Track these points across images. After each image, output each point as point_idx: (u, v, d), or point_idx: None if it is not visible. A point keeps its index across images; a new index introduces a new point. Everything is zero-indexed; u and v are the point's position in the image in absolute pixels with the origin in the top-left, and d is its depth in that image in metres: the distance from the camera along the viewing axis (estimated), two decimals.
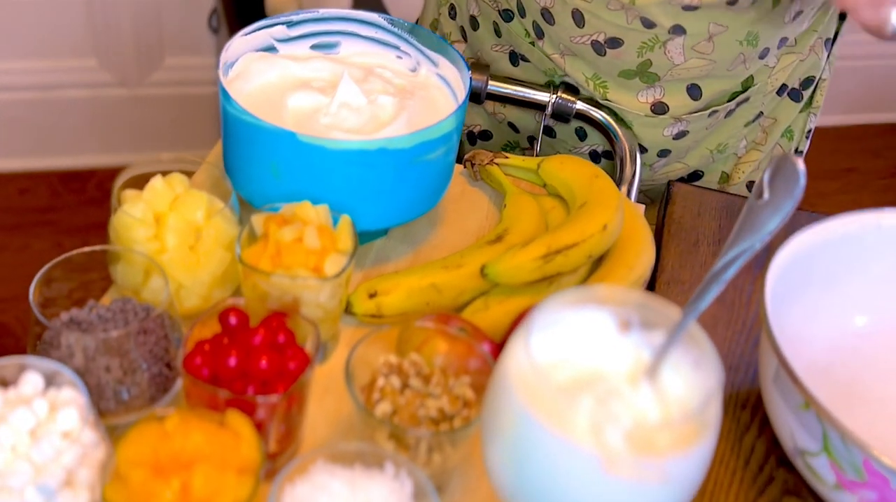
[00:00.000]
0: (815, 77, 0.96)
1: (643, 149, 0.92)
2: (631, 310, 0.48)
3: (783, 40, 0.87)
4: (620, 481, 0.43)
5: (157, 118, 1.96)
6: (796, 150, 1.00)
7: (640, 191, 0.92)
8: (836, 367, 0.73)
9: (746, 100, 0.91)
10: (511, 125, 0.99)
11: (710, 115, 0.89)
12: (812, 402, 0.59)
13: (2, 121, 1.90)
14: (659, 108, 0.88)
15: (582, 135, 0.96)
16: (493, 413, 0.47)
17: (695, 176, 0.98)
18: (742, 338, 0.79)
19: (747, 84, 0.90)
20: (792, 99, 0.95)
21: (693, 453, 0.44)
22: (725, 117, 0.91)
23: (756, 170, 0.98)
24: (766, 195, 0.43)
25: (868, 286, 0.74)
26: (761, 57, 0.87)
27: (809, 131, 0.99)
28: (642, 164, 0.92)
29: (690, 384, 0.46)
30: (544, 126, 0.96)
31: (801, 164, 0.42)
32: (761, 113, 0.94)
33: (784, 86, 0.94)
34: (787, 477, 0.69)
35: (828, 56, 0.96)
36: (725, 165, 0.97)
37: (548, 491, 0.45)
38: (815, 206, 0.92)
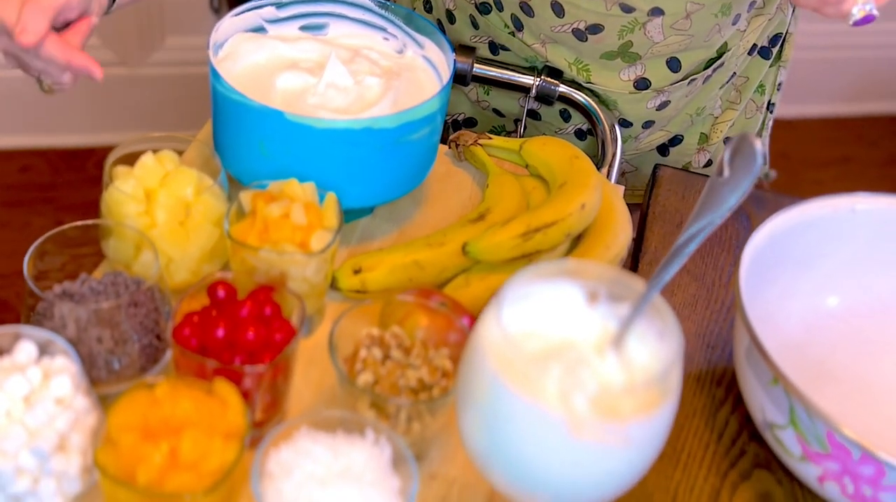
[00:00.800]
0: (782, 33, 0.99)
1: (628, 124, 0.94)
2: (599, 283, 0.50)
3: (752, 4, 0.90)
4: (586, 444, 0.45)
5: (157, 98, 1.97)
6: (768, 103, 1.04)
7: (625, 161, 0.94)
8: (808, 346, 0.75)
9: (721, 65, 0.93)
10: (496, 111, 1.01)
11: (688, 83, 0.92)
12: (780, 377, 0.61)
13: (2, 98, 1.92)
14: (641, 84, 0.90)
15: (566, 117, 0.97)
16: (466, 381, 0.49)
17: (675, 140, 1.00)
18: (720, 317, 0.82)
19: (722, 50, 0.93)
20: (762, 56, 0.99)
21: (654, 418, 0.46)
22: (703, 83, 0.94)
23: (732, 128, 1.01)
24: (726, 173, 0.45)
25: (841, 268, 0.76)
26: (734, 23, 0.90)
27: (780, 84, 1.03)
28: (628, 137, 0.95)
29: (654, 353, 0.48)
30: (529, 109, 0.98)
31: (758, 144, 0.44)
32: (734, 73, 0.97)
33: (754, 45, 0.97)
34: (758, 451, 0.72)
35: (793, 11, 0.99)
36: (704, 127, 1.00)
37: (518, 454, 0.47)
38: (811, 195, 0.93)
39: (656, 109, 0.92)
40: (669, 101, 0.93)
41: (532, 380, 0.45)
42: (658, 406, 0.46)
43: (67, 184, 1.91)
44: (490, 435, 0.48)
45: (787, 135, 2.23)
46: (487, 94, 1.00)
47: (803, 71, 2.05)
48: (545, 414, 0.45)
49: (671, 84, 0.92)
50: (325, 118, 0.73)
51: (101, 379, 0.66)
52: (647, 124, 0.95)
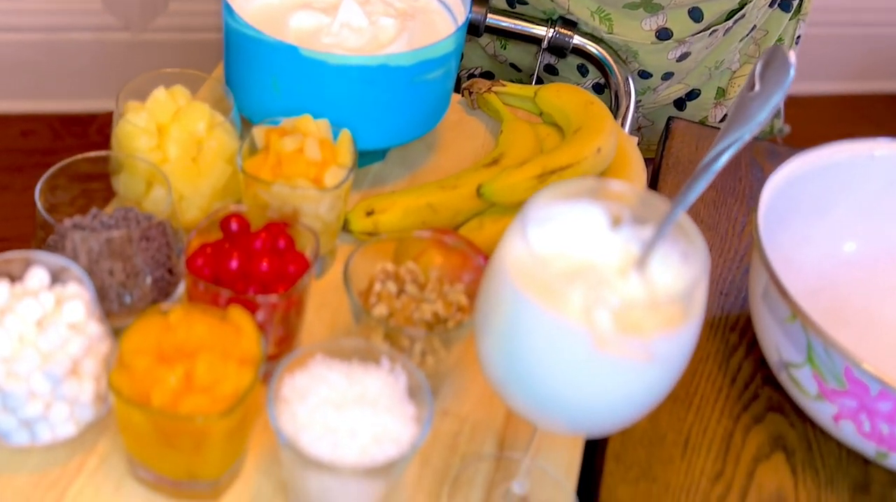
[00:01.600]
0: None
1: (647, 75, 0.94)
2: (623, 204, 0.49)
3: None
4: (609, 359, 0.44)
5: (160, 64, 1.96)
6: None
7: (641, 115, 0.94)
8: (824, 292, 0.75)
9: (743, 16, 0.93)
10: (512, 65, 1.00)
11: (710, 34, 0.91)
12: (798, 313, 0.61)
13: (4, 62, 1.90)
14: (663, 34, 0.90)
15: (584, 72, 0.97)
16: (488, 300, 0.49)
17: (693, 94, 1.00)
18: (734, 265, 0.81)
19: (744, 1, 0.92)
20: (783, 9, 0.98)
21: (679, 335, 0.45)
22: (724, 35, 0.93)
23: None
24: (757, 86, 0.44)
25: (858, 214, 0.75)
26: None
27: (798, 37, 1.02)
28: (647, 89, 0.94)
29: (678, 274, 0.48)
30: (547, 64, 0.97)
31: (791, 56, 0.43)
32: (755, 26, 0.97)
33: None
34: (771, 395, 0.71)
35: None
36: (721, 81, 1.00)
37: (539, 372, 0.46)
38: None
39: (676, 61, 0.92)
40: (690, 53, 0.92)
41: (556, 295, 0.45)
42: (682, 323, 0.45)
43: (69, 149, 1.89)
44: (511, 355, 0.48)
45: (794, 112, 2.23)
46: (504, 48, 0.99)
47: (810, 49, 2.04)
48: (569, 328, 0.44)
49: (692, 35, 0.91)
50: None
51: (112, 312, 0.65)
52: (667, 76, 0.94)
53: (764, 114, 0.44)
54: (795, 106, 2.31)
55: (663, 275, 0.48)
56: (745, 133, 0.44)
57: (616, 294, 0.46)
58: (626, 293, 0.47)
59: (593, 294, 0.45)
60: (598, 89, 0.98)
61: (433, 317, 0.62)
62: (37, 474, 0.59)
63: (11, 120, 1.93)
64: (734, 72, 1.00)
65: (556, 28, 0.93)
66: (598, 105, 0.80)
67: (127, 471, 0.60)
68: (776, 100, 0.44)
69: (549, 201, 0.49)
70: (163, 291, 0.67)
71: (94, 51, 1.92)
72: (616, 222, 0.50)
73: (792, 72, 0.43)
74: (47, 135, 1.92)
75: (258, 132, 0.70)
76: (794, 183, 0.71)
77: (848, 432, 0.63)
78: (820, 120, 2.25)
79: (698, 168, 0.46)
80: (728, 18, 0.93)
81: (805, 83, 2.23)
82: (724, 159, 0.45)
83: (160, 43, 1.96)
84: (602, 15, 0.90)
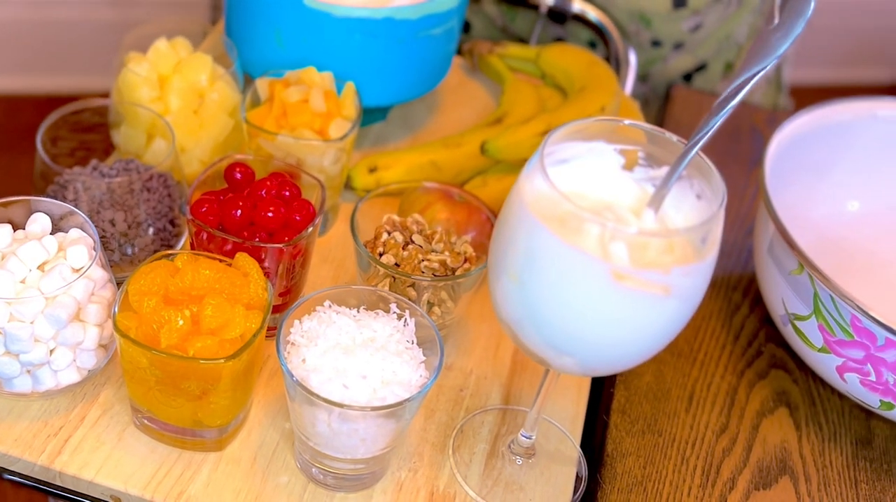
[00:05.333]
0: None
1: (658, 44, 0.93)
2: (638, 144, 0.49)
3: None
4: (626, 291, 0.44)
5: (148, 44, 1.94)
6: None
7: (650, 89, 0.93)
8: (828, 251, 0.75)
9: None
10: (522, 40, 1.00)
11: (725, 5, 0.91)
12: (805, 263, 0.61)
13: None
14: (679, 2, 0.89)
15: (592, 46, 0.96)
16: (505, 237, 0.48)
17: (701, 68, 0.99)
18: (736, 226, 0.81)
19: None
20: None
21: (695, 269, 0.45)
22: (737, 7, 0.93)
23: None
24: (776, 19, 0.44)
25: (861, 173, 0.76)
26: None
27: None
28: (657, 59, 0.94)
29: (693, 212, 0.48)
30: (557, 38, 0.97)
31: None
32: None
33: None
34: (774, 351, 0.71)
35: None
36: (729, 54, 1.00)
37: (557, 304, 0.46)
38: None
39: (690, 31, 0.92)
40: (703, 24, 0.92)
41: (574, 229, 0.45)
42: (698, 257, 0.45)
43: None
44: (529, 291, 0.47)
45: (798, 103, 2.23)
46: (513, 21, 0.98)
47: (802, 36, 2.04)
48: (587, 260, 0.44)
49: (708, 5, 0.91)
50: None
51: (114, 262, 0.65)
52: (678, 46, 0.94)
53: (785, 45, 0.44)
54: (798, 95, 2.32)
55: (678, 212, 0.48)
56: (767, 64, 0.44)
57: (633, 228, 0.46)
58: (644, 228, 0.46)
59: (610, 229, 0.44)
60: None
61: (441, 267, 0.61)
62: (38, 422, 0.58)
63: None
64: (741, 46, 1.00)
65: None
66: (602, 66, 0.80)
67: (129, 422, 0.59)
68: (797, 30, 0.43)
69: (565, 139, 0.48)
70: (165, 243, 0.66)
71: (80, 28, 1.90)
72: (630, 163, 0.50)
73: (812, 3, 0.43)
74: (32, 114, 1.90)
75: (262, 84, 0.69)
76: (798, 141, 0.71)
77: (852, 384, 0.63)
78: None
79: (715, 104, 0.46)
80: None
81: (794, 71, 2.24)
82: (742, 94, 0.45)
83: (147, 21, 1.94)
84: None
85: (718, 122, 0.46)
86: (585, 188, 0.49)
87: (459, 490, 0.59)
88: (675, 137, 0.49)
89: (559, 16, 0.94)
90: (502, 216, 0.49)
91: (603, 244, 0.44)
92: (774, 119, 0.92)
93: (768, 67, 0.44)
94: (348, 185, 0.75)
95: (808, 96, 1.08)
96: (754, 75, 0.44)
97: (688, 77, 1.00)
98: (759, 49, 0.44)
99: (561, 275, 0.45)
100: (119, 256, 0.64)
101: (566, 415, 0.64)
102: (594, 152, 0.50)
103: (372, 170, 0.74)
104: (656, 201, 0.48)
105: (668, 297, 0.45)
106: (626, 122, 0.49)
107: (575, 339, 0.47)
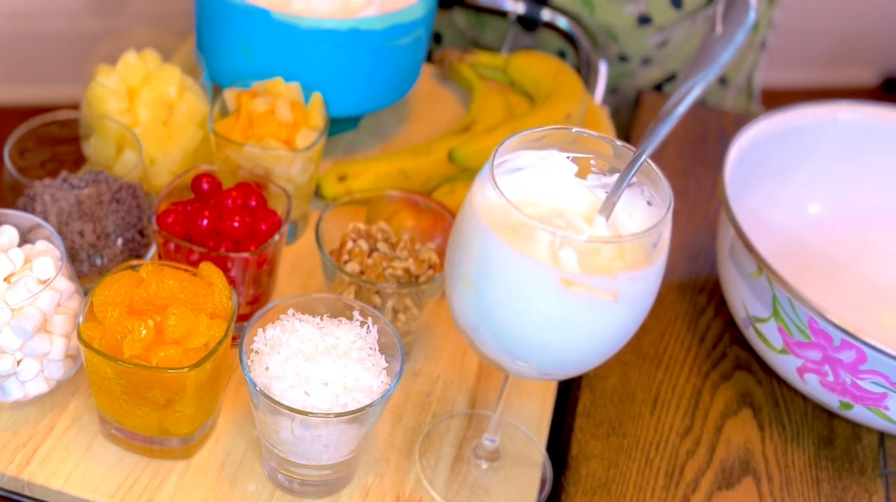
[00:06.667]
0: None
1: (625, 59, 0.94)
2: (589, 152, 0.50)
3: None
4: (576, 297, 0.45)
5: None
6: (763, 42, 1.05)
7: (616, 95, 0.94)
8: (789, 254, 0.76)
9: None
10: (489, 48, 1.01)
11: (690, 21, 0.92)
12: (764, 266, 0.62)
13: None
14: (644, 20, 0.90)
15: (563, 56, 0.97)
16: (459, 246, 0.49)
17: (671, 79, 1.01)
18: (702, 230, 0.82)
19: None
20: None
21: (644, 273, 0.46)
22: (704, 22, 0.94)
23: (725, 67, 1.02)
24: (718, 28, 0.45)
25: (822, 176, 0.77)
26: None
27: (775, 24, 1.04)
28: (626, 74, 0.95)
29: (643, 218, 0.49)
30: (527, 46, 0.98)
31: None
32: None
33: None
34: (739, 354, 0.72)
35: None
36: None
37: (510, 311, 0.47)
38: None
39: (656, 47, 0.93)
40: (669, 40, 0.94)
41: (524, 237, 0.46)
42: (647, 262, 0.46)
43: None
44: (482, 298, 0.48)
45: (766, 103, 2.25)
46: (482, 33, 0.99)
47: (783, 38, 2.06)
48: (537, 267, 0.45)
49: (673, 22, 0.92)
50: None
51: (83, 273, 0.65)
52: (646, 61, 0.95)
53: (727, 55, 0.45)
54: (767, 99, 2.33)
55: (629, 218, 0.49)
56: (710, 73, 0.45)
57: (582, 236, 0.47)
58: (592, 235, 0.47)
59: (560, 234, 0.45)
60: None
61: (405, 274, 0.62)
62: (7, 432, 0.59)
63: None
64: None
65: (526, 1, 0.94)
66: (568, 73, 0.81)
67: (98, 432, 0.60)
68: (739, 40, 0.45)
69: (517, 147, 0.49)
70: (133, 253, 0.67)
71: (65, 38, 1.91)
72: (583, 171, 0.51)
73: (752, 12, 0.44)
74: (16, 125, 1.90)
75: (229, 94, 0.70)
76: (760, 145, 0.72)
77: (812, 384, 0.64)
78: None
79: (662, 111, 0.47)
80: (708, 4, 0.93)
81: (776, 72, 2.25)
82: (689, 101, 0.46)
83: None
84: None
85: (664, 130, 0.47)
86: (538, 196, 0.50)
87: (425, 494, 0.59)
88: (625, 145, 0.50)
89: (530, 23, 0.95)
90: (457, 225, 0.50)
91: (553, 251, 0.45)
92: (743, 122, 0.93)
93: (710, 77, 0.45)
94: (318, 194, 0.76)
95: (792, 100, 1.09)
96: (698, 83, 0.45)
97: (658, 87, 1.01)
98: (703, 57, 0.45)
99: (513, 282, 0.46)
100: (88, 267, 0.65)
101: (532, 419, 0.65)
102: (547, 160, 0.51)
103: (341, 178, 0.75)
104: (607, 208, 0.49)
105: (616, 302, 0.46)
106: (574, 129, 0.50)
107: (529, 345, 0.48)
